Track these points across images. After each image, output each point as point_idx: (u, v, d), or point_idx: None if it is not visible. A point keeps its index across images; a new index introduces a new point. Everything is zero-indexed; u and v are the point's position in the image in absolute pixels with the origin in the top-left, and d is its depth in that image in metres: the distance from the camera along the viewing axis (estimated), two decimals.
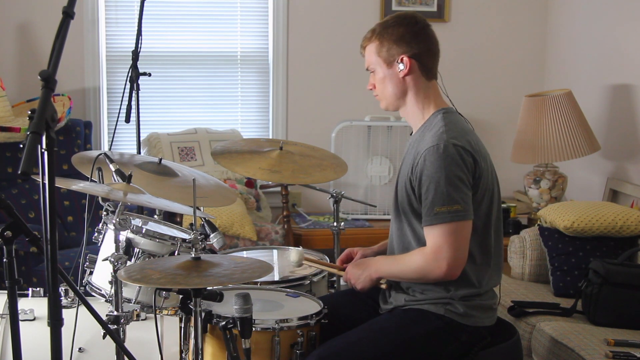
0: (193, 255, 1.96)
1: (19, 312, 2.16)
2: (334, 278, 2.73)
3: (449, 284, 2.09)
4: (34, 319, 2.39)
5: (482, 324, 2.14)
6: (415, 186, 2.09)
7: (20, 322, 1.90)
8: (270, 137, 4.70)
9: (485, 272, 2.13)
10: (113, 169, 2.29)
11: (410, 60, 2.14)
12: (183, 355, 2.19)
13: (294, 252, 2.47)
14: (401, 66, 2.15)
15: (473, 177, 2.05)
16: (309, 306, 2.23)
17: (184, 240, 2.24)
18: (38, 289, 2.53)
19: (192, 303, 1.94)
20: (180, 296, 2.00)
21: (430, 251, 2.03)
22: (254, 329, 2.00)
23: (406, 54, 2.14)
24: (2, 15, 4.35)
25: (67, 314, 1.88)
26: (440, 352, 2.10)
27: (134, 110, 3.38)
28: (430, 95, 2.19)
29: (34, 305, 2.42)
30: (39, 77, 1.49)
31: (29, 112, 1.47)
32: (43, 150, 1.46)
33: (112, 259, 2.11)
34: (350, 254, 2.41)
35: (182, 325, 2.20)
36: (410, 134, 2.28)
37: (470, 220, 2.03)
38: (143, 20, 3.33)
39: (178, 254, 2.21)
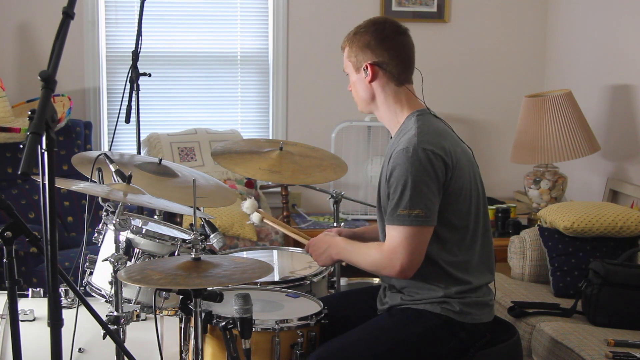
0: (193, 256, 1.96)
1: (19, 312, 2.16)
2: (334, 278, 2.74)
3: (439, 283, 2.11)
4: (34, 320, 2.39)
5: (480, 320, 2.14)
6: (386, 187, 2.12)
7: (20, 323, 1.89)
8: (270, 137, 4.70)
9: (469, 268, 2.13)
10: (113, 170, 2.29)
11: (372, 68, 2.17)
12: (183, 355, 2.19)
13: (247, 203, 2.57)
14: (366, 73, 2.18)
15: (444, 180, 2.06)
16: (309, 306, 2.23)
17: (184, 240, 2.24)
18: (38, 289, 2.53)
19: (192, 303, 1.94)
20: (180, 297, 2.00)
21: (387, 250, 2.07)
22: (254, 329, 2.00)
23: (369, 62, 2.17)
24: (2, 15, 4.35)
25: (67, 315, 1.88)
26: (439, 350, 2.10)
27: (134, 111, 3.38)
28: (401, 100, 2.19)
29: (34, 305, 2.42)
30: (39, 78, 1.49)
31: (29, 113, 1.47)
32: (43, 150, 1.46)
33: (112, 260, 2.11)
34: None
35: (182, 326, 2.20)
36: (391, 138, 2.29)
37: (431, 226, 2.05)
38: (143, 21, 3.32)
39: (178, 254, 2.21)
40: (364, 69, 2.18)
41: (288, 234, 2.59)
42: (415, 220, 2.02)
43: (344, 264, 2.31)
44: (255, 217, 2.59)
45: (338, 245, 2.24)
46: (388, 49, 2.17)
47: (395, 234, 2.05)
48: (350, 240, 2.28)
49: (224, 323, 2.01)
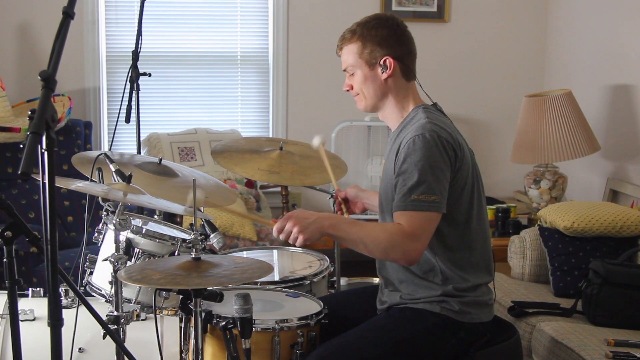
0: (193, 256, 1.96)
1: (19, 312, 2.16)
2: (334, 278, 2.73)
3: (436, 279, 2.10)
4: (34, 319, 2.39)
5: (480, 320, 2.14)
6: (394, 176, 2.08)
7: (20, 323, 1.89)
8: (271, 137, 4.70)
9: (467, 266, 2.13)
10: (113, 169, 2.28)
11: (393, 62, 2.14)
12: (183, 355, 2.19)
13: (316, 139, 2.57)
14: (384, 68, 2.14)
15: (452, 170, 2.06)
16: (309, 306, 2.22)
17: (184, 240, 2.24)
18: (38, 289, 2.53)
19: (192, 303, 1.94)
20: (181, 296, 2.00)
21: (410, 231, 1.98)
22: (254, 329, 2.00)
23: (390, 56, 2.14)
24: (2, 15, 4.35)
25: (67, 314, 1.88)
26: (439, 349, 2.10)
27: (134, 111, 3.38)
28: (409, 95, 2.20)
29: (34, 305, 2.42)
30: (39, 77, 1.49)
31: (29, 112, 1.47)
32: (43, 150, 1.46)
33: (112, 259, 2.11)
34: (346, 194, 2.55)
35: (182, 326, 2.19)
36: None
37: (442, 213, 2.03)
38: (143, 21, 3.33)
39: (178, 254, 2.21)
40: (380, 64, 2.15)
41: (331, 177, 2.56)
42: (432, 206, 1.99)
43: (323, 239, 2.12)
44: (316, 141, 2.55)
45: (333, 216, 2.06)
46: (405, 43, 2.17)
47: (415, 218, 1.99)
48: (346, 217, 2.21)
49: (224, 323, 2.01)
